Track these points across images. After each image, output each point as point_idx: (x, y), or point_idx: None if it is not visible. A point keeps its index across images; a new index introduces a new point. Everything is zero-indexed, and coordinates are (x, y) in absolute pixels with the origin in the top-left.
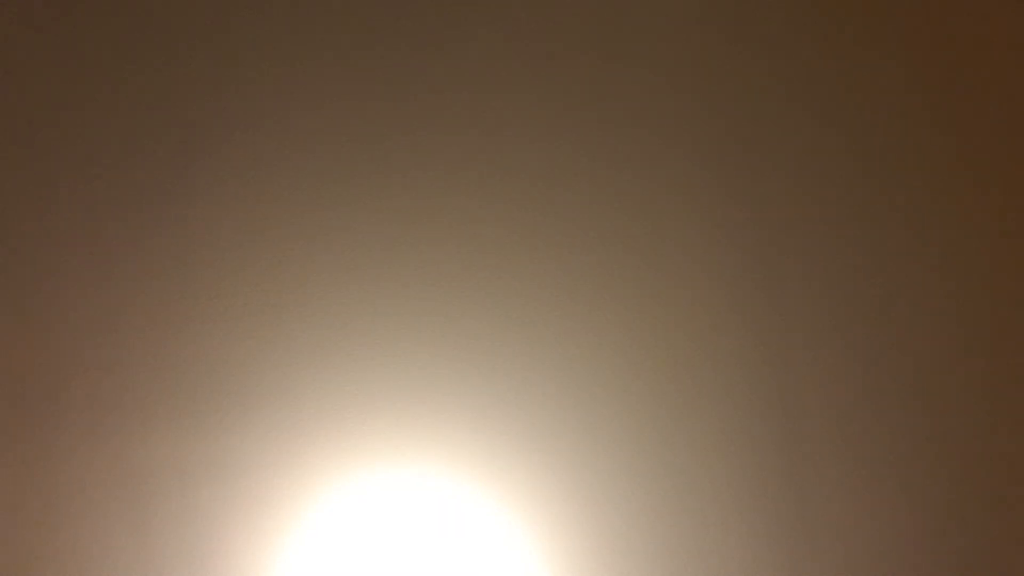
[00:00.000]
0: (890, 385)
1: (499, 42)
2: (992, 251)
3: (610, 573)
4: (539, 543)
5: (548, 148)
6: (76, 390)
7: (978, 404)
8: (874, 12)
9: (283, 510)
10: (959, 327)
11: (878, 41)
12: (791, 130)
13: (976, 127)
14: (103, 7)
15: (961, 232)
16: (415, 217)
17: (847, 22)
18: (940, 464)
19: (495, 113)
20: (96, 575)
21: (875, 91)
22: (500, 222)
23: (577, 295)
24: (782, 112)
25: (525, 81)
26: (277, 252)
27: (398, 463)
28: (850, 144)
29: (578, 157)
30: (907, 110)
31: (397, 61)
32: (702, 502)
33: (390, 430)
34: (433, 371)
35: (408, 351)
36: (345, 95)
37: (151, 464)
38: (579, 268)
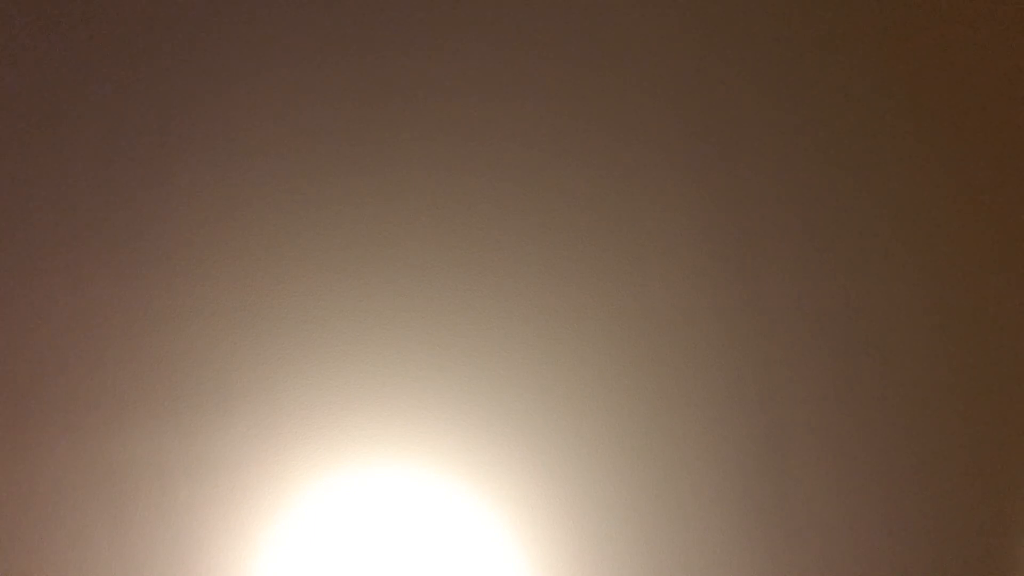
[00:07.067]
0: (869, 384)
1: (483, 46)
2: (972, 250)
3: (593, 570)
4: (521, 540)
5: (531, 151)
6: (55, 388)
7: (957, 401)
8: (850, 17)
9: (263, 507)
10: (938, 325)
11: (856, 45)
12: (772, 133)
13: (954, 129)
14: (81, 6)
15: (940, 232)
16: (397, 217)
17: (824, 27)
18: (919, 461)
19: (478, 116)
20: (75, 572)
21: (853, 94)
22: (482, 223)
23: (560, 295)
24: (763, 115)
25: (509, 85)
26: (256, 251)
27: (379, 460)
28: (830, 146)
29: (561, 159)
30: (885, 113)
31: (381, 63)
32: (684, 499)
33: (370, 427)
34: (414, 369)
35: (389, 349)
36: (326, 96)
37: (130, 461)
38: (563, 269)
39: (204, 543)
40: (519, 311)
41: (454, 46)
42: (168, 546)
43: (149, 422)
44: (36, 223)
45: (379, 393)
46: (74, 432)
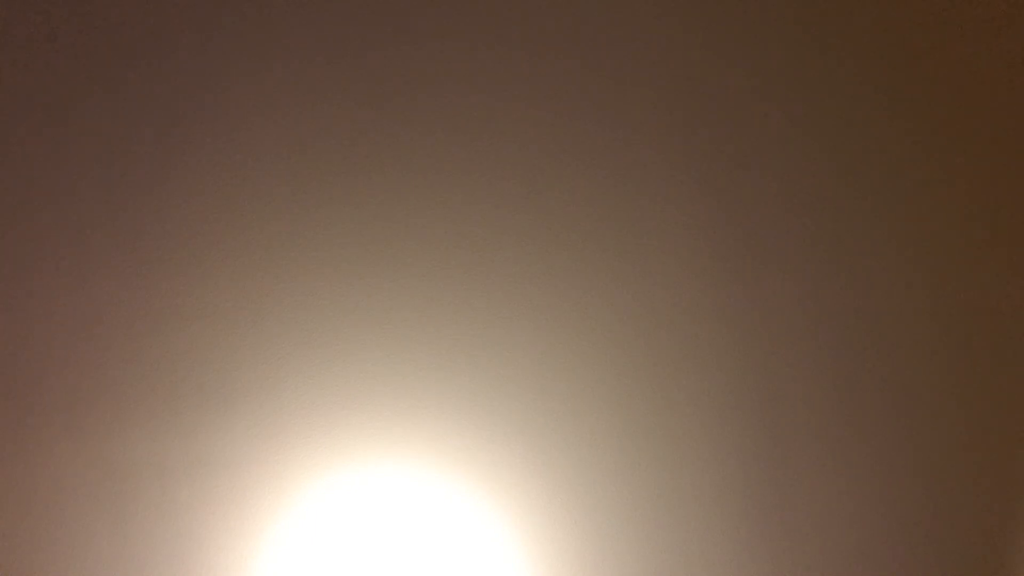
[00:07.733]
0: (870, 384)
1: (483, 46)
2: (972, 250)
3: (593, 570)
4: (521, 540)
5: (531, 151)
6: (55, 388)
7: (958, 401)
8: (851, 18)
9: (263, 507)
10: (938, 326)
11: (856, 46)
12: (773, 134)
13: (954, 130)
14: (84, 8)
15: (940, 232)
16: (396, 216)
17: (825, 27)
18: (919, 461)
19: (479, 116)
20: (75, 572)
21: (854, 95)
22: (483, 222)
23: (561, 296)
24: (764, 116)
25: (509, 84)
26: (257, 251)
27: (379, 460)
28: (830, 147)
29: (561, 159)
30: (886, 113)
31: (382, 63)
32: (684, 499)
33: (371, 427)
34: (415, 369)
35: (389, 349)
36: (326, 96)
37: (131, 461)
38: (563, 269)
39: (204, 543)
40: (519, 311)
41: (454, 46)
42: (168, 546)
43: (149, 422)
44: (36, 223)
45: (379, 393)
46: (74, 432)
